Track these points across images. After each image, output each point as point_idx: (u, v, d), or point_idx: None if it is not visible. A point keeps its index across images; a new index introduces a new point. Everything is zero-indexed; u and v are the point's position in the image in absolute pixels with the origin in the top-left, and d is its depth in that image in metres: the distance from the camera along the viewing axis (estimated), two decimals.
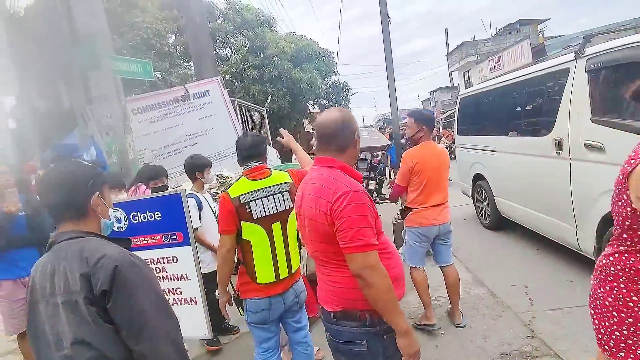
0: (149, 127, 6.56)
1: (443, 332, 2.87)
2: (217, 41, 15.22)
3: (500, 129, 4.73)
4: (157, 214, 2.30)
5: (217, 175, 5.05)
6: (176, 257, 2.33)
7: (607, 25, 14.38)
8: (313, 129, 22.93)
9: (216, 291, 2.09)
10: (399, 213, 4.15)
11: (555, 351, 2.44)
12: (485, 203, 5.30)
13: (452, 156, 8.94)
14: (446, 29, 28.68)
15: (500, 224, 5.07)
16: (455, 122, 6.27)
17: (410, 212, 2.91)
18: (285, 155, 3.92)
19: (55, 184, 1.17)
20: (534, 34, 19.66)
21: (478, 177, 5.39)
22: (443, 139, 12.86)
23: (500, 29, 24.39)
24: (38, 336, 1.15)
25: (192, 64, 14.37)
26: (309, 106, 18.41)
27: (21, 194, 2.76)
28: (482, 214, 5.51)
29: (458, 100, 6.18)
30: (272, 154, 9.25)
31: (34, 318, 1.16)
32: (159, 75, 13.02)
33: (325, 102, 18.68)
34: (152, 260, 2.38)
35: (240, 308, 2.08)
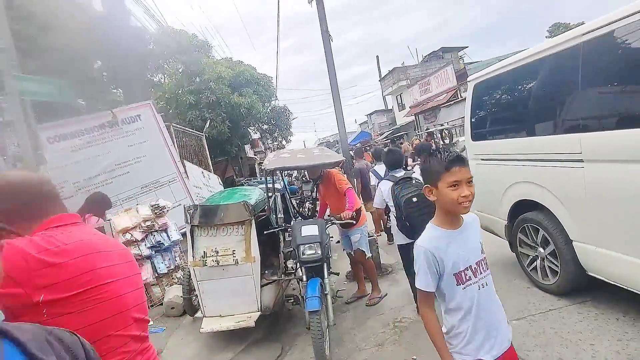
0: (69, 157, 5.83)
1: (415, 357, 2.69)
2: (149, 67, 14.47)
3: (597, 121, 2.56)
4: None
5: (152, 206, 4.53)
6: None
7: (515, 52, 16.15)
8: (255, 155, 22.28)
9: None
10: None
11: None
12: (544, 251, 3.17)
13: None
14: (377, 56, 30.53)
15: (580, 284, 2.96)
16: (467, 121, 4.04)
17: None
18: (228, 181, 3.71)
19: None
20: (456, 60, 21.51)
21: (524, 207, 3.30)
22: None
23: (426, 55, 26.43)
24: None
25: (120, 90, 13.45)
26: (250, 131, 18.09)
27: None
28: (534, 267, 3.32)
29: (471, 89, 3.93)
30: (214, 181, 8.75)
31: None
32: (83, 103, 11.92)
33: (266, 126, 18.51)
34: None
35: None
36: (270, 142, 19.28)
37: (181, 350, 3.35)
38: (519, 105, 3.36)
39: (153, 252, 4.47)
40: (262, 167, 3.48)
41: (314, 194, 6.81)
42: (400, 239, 3.24)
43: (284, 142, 19.15)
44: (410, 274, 3.28)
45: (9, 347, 0.58)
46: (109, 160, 6.10)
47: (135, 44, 8.52)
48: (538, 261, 3.28)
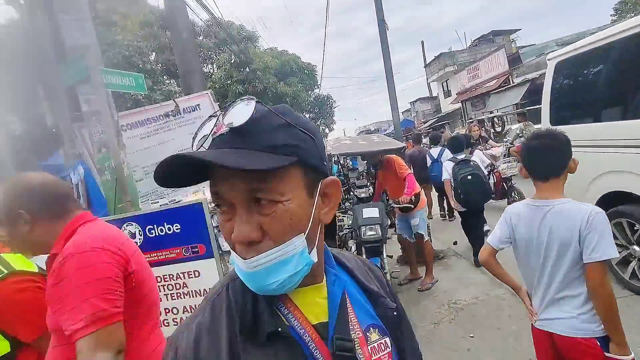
0: (140, 144, 6.35)
1: (472, 335, 2.80)
2: (199, 58, 15.14)
3: None
4: (176, 226, 2.17)
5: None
6: (198, 271, 2.19)
7: (577, 33, 15.09)
8: None
9: None
10: None
11: None
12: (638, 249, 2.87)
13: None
14: (422, 41, 29.60)
15: None
16: (545, 104, 3.64)
17: None
18: None
19: None
20: (508, 44, 20.44)
21: (617, 199, 2.94)
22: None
23: (475, 39, 25.29)
24: None
25: (174, 81, 14.23)
26: None
27: None
28: (627, 267, 2.98)
29: (552, 68, 3.56)
30: None
31: None
32: (142, 94, 12.79)
33: (309, 115, 18.78)
34: (170, 277, 2.23)
35: None
36: None
37: None
38: (615, 84, 2.92)
39: (217, 231, 4.84)
40: (327, 153, 3.68)
41: (358, 182, 6.94)
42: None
43: (326, 131, 19.33)
44: (469, 233, 4.33)
45: (340, 270, 0.66)
46: (173, 147, 6.57)
47: (191, 37, 8.99)
48: (623, 254, 2.94)
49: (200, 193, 4.94)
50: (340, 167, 11.07)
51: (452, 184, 4.04)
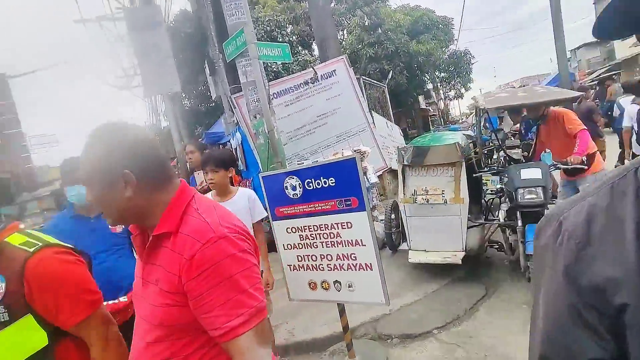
0: (284, 111, 6.96)
1: None
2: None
3: None
4: (332, 179, 2.33)
5: (355, 150, 5.08)
6: (350, 223, 2.34)
7: None
8: (428, 106, 21.62)
9: None
10: None
11: None
12: None
13: None
14: None
15: None
16: None
17: None
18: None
19: None
20: None
21: None
22: None
23: None
24: None
25: (307, 51, 14.91)
26: (426, 80, 17.43)
27: None
28: None
29: None
30: (396, 131, 9.01)
31: None
32: (280, 64, 13.86)
33: (443, 74, 17.43)
34: (326, 226, 2.44)
35: None
36: (447, 90, 18.13)
37: (388, 277, 3.81)
38: None
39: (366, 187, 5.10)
40: (478, 107, 3.37)
41: (508, 142, 6.22)
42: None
43: (462, 91, 17.74)
44: None
45: None
46: (312, 113, 7.01)
47: (327, 3, 9.18)
48: None
49: (339, 154, 5.20)
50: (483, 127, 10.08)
51: (635, 128, 3.60)
